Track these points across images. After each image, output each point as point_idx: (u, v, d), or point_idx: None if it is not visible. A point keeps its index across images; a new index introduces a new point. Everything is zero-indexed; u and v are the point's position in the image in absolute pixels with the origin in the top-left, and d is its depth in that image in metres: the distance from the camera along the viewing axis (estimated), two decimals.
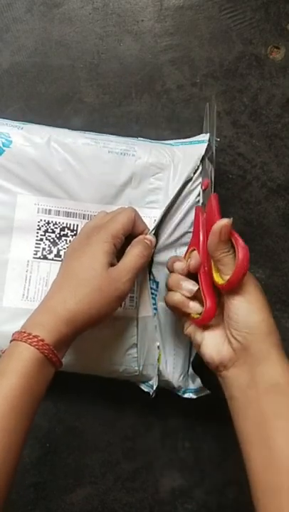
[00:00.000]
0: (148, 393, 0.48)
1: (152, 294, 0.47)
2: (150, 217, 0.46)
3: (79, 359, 0.45)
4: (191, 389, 0.49)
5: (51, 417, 0.51)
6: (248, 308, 0.38)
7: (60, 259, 0.45)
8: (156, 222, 0.45)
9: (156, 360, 0.46)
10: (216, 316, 0.41)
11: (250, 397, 0.37)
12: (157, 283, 0.47)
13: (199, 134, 0.50)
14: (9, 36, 0.53)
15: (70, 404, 0.51)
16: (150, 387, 0.47)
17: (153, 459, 0.52)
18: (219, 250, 0.38)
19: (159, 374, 0.46)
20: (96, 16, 0.54)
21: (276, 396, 0.36)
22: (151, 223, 0.45)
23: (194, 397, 0.48)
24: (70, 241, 0.45)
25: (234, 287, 0.38)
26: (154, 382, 0.46)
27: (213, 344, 0.40)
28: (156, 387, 0.46)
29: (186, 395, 0.48)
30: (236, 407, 0.38)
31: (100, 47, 0.54)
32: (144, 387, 0.48)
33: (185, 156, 0.47)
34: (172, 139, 0.52)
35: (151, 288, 0.46)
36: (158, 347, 0.46)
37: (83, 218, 0.45)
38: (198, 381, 0.48)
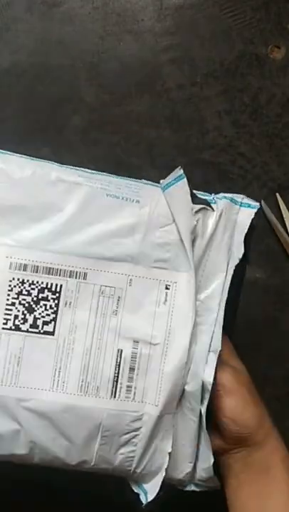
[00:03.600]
0: (137, 495, 0.37)
1: None
2: (160, 281, 0.36)
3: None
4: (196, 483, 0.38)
5: None
6: (233, 406, 0.35)
7: (36, 330, 0.34)
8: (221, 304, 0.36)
9: (164, 469, 0.35)
10: None
11: (244, 479, 0.37)
12: None
13: (198, 135, 0.50)
14: (9, 35, 0.53)
15: None
16: (144, 493, 0.36)
17: None
18: None
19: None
20: (96, 15, 0.54)
21: (268, 476, 0.36)
22: (161, 289, 0.35)
23: (197, 490, 0.38)
24: (50, 307, 0.34)
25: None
26: (150, 492, 0.36)
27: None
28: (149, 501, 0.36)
29: (187, 488, 0.38)
30: (230, 488, 0.37)
31: (100, 46, 0.54)
32: (134, 488, 0.37)
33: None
34: (172, 139, 0.51)
35: None
36: (169, 454, 0.35)
37: (70, 276, 0.35)
38: (209, 470, 0.36)
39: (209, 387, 0.34)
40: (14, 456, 0.35)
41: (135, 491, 0.37)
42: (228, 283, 0.36)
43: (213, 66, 0.54)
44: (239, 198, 0.38)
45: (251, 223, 0.37)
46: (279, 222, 0.52)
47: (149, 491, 0.36)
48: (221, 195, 0.38)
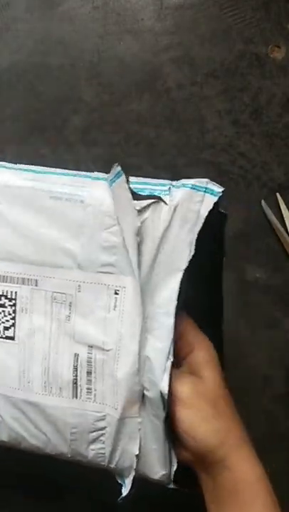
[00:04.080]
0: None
1: None
2: (108, 286, 0.34)
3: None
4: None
5: None
6: (191, 422, 0.33)
7: (0, 335, 0.36)
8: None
9: (133, 470, 0.35)
10: None
11: (216, 499, 0.34)
12: None
13: (198, 134, 0.50)
14: (9, 35, 0.53)
15: None
16: (123, 482, 0.37)
17: None
18: None
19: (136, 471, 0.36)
20: (96, 14, 0.54)
21: (237, 498, 0.34)
22: (110, 294, 0.34)
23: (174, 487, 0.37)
24: (8, 313, 0.35)
25: None
26: (126, 485, 0.36)
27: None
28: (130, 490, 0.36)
29: (170, 486, 0.37)
30: (207, 500, 0.35)
31: (100, 46, 0.54)
32: (118, 479, 0.38)
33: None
34: (172, 138, 0.51)
35: None
36: (136, 456, 0.35)
37: (23, 283, 0.35)
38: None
39: (166, 397, 0.32)
40: (3, 441, 0.37)
41: (119, 481, 0.37)
42: (186, 283, 0.32)
43: (213, 66, 0.54)
44: (203, 183, 0.33)
45: (219, 212, 0.34)
46: (279, 222, 0.52)
47: (126, 485, 0.36)
48: (180, 182, 0.34)
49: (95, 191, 0.34)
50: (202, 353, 0.35)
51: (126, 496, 0.36)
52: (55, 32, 0.53)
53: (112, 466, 0.36)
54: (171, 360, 0.32)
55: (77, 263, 0.34)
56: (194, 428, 0.33)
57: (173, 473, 0.35)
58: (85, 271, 0.34)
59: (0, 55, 0.53)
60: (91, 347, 0.34)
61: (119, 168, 0.33)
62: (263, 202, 0.53)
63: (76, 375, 0.35)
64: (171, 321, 0.32)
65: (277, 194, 0.53)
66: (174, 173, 0.47)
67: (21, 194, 0.35)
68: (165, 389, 0.32)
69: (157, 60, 0.54)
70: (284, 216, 0.52)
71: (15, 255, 0.35)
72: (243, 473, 0.33)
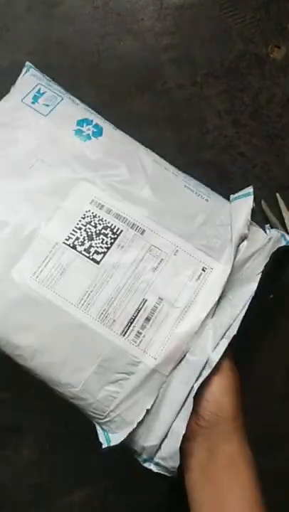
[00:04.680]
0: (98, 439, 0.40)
1: None
2: (200, 262, 0.41)
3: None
4: (156, 461, 0.40)
5: (51, 417, 0.51)
6: (221, 389, 0.38)
7: (87, 255, 0.41)
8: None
9: (136, 423, 0.39)
10: None
11: (208, 471, 0.38)
12: None
13: (198, 135, 0.50)
14: (9, 35, 0.53)
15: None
16: (107, 439, 0.40)
17: None
18: None
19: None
20: (96, 14, 0.54)
21: (231, 471, 0.37)
22: (197, 268, 0.41)
23: (154, 470, 0.40)
24: (106, 242, 0.41)
25: None
26: (113, 441, 0.39)
27: None
28: (110, 446, 0.39)
29: (145, 464, 0.40)
30: (192, 478, 0.38)
31: (100, 46, 0.54)
32: (98, 431, 0.41)
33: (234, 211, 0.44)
34: (172, 138, 0.51)
35: None
36: (147, 410, 0.39)
37: (131, 227, 0.41)
38: (177, 440, 0.38)
39: (212, 365, 0.38)
40: (19, 348, 0.40)
41: (98, 434, 0.40)
42: (253, 293, 0.41)
43: (213, 66, 0.54)
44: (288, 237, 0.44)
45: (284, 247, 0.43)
46: (279, 222, 0.52)
47: (112, 440, 0.39)
48: (279, 232, 0.44)
49: (216, 198, 0.45)
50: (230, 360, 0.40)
51: (111, 448, 0.38)
52: (55, 32, 0.53)
53: (114, 414, 0.39)
54: (233, 334, 0.39)
55: (185, 234, 0.42)
56: (221, 395, 0.38)
57: (181, 436, 0.37)
58: (188, 242, 0.41)
59: (0, 55, 0.53)
60: (161, 299, 0.40)
61: (251, 189, 0.44)
62: (262, 202, 0.53)
63: (135, 316, 0.39)
64: (236, 312, 0.40)
65: (277, 194, 0.53)
66: None
67: (165, 175, 0.45)
68: (215, 358, 0.38)
69: (157, 60, 0.54)
70: (284, 216, 0.52)
71: (138, 205, 0.42)
72: (243, 447, 0.37)
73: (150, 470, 0.40)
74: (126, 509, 0.51)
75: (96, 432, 0.41)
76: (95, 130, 0.45)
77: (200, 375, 0.38)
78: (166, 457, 0.39)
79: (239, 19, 0.55)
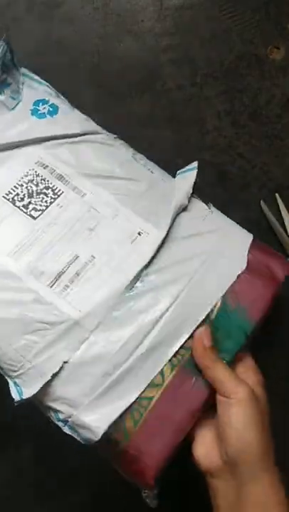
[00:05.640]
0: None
1: None
2: (134, 228, 0.42)
3: None
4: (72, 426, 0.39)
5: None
6: (244, 423, 0.34)
7: (25, 210, 0.42)
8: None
9: (49, 375, 0.38)
10: (211, 415, 0.36)
11: (235, 506, 0.34)
12: None
13: (198, 135, 0.50)
14: (9, 35, 0.53)
15: None
16: (19, 392, 0.39)
17: None
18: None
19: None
20: (96, 15, 0.54)
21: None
22: (134, 232, 0.42)
23: (70, 433, 0.39)
24: (45, 201, 0.42)
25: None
26: (25, 393, 0.38)
27: (203, 445, 0.36)
28: (22, 400, 0.38)
29: (64, 429, 0.39)
30: (222, 504, 0.35)
31: (100, 47, 0.54)
32: (11, 386, 0.39)
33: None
34: (172, 139, 0.51)
35: None
36: (64, 362, 0.38)
37: (72, 190, 0.43)
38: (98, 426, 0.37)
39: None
40: None
41: (11, 389, 0.39)
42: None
43: (213, 66, 0.54)
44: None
45: None
46: (278, 222, 0.52)
47: (24, 394, 0.38)
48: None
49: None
50: (256, 375, 0.38)
51: (21, 401, 0.37)
52: (55, 32, 0.54)
53: (28, 366, 0.38)
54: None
55: (127, 198, 0.43)
56: (245, 429, 0.34)
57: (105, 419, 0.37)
58: (127, 207, 0.42)
59: None
60: (94, 257, 0.40)
61: (195, 165, 0.46)
62: (262, 202, 0.53)
63: (64, 271, 0.39)
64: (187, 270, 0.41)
65: (277, 194, 0.53)
66: (174, 174, 0.47)
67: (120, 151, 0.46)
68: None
69: (157, 61, 0.54)
70: (283, 216, 0.53)
71: (83, 169, 0.43)
72: (276, 489, 0.34)
73: None
74: (126, 509, 0.51)
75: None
76: (50, 109, 0.46)
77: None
78: (83, 427, 0.38)
79: (239, 20, 0.55)
